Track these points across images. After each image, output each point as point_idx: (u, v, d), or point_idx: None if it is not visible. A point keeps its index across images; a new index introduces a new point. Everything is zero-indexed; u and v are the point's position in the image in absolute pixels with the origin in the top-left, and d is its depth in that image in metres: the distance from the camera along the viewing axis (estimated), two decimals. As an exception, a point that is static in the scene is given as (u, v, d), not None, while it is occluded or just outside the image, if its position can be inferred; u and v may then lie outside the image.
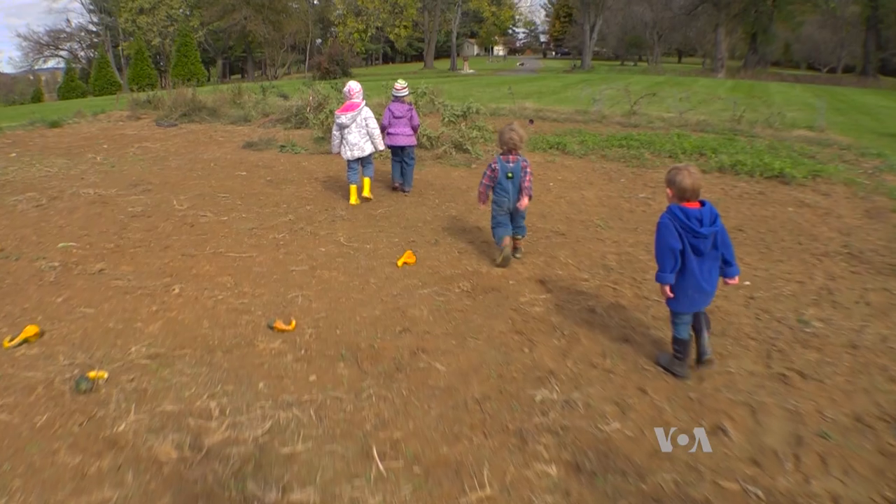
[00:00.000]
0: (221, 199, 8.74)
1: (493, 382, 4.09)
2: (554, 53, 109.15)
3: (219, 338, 4.64)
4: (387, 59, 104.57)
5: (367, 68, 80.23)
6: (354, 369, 4.19)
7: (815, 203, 8.92)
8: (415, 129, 8.87)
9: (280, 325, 4.74)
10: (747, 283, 5.93)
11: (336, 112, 8.18)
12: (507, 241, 6.06)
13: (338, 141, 8.23)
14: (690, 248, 3.85)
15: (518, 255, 6.35)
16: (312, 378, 4.07)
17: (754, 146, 12.76)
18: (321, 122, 12.62)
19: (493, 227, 6.14)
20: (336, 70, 52.83)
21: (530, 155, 12.13)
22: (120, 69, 69.32)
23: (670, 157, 11.89)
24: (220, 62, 79.93)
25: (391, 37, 69.28)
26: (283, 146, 12.76)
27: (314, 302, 5.30)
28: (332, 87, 21.24)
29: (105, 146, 13.98)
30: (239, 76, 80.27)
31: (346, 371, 4.17)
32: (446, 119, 12.00)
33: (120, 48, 74.45)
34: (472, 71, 58.11)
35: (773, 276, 6.14)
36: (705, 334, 4.21)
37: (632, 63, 76.90)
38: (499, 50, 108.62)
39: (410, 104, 8.92)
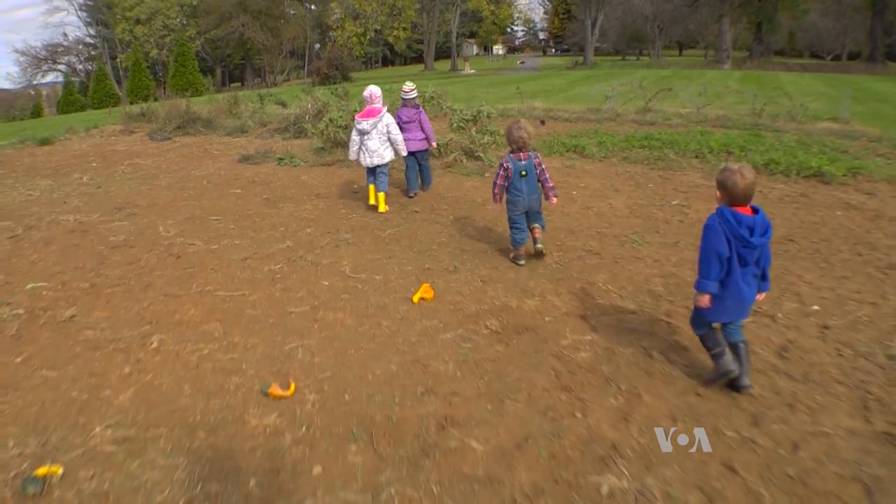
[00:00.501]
0: (213, 223, 7.92)
1: (544, 465, 3.24)
2: (553, 50, 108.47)
3: (202, 410, 3.80)
4: (386, 62, 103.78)
5: (367, 72, 79.47)
6: (370, 454, 3.35)
7: (862, 204, 8.10)
8: (428, 133, 8.66)
9: (276, 389, 3.90)
10: (816, 307, 5.12)
11: (356, 117, 7.92)
12: (524, 251, 6.04)
13: (356, 147, 7.98)
14: (738, 257, 3.60)
15: (539, 246, 6.11)
16: (317, 470, 3.23)
17: (783, 142, 11.89)
18: (320, 132, 11.79)
19: (511, 229, 6.06)
20: (336, 75, 52.30)
21: (547, 159, 11.25)
22: (119, 81, 68.86)
23: (697, 157, 11.05)
24: (218, 71, 79.43)
25: (390, 39, 68.57)
26: (280, 159, 11.94)
27: (317, 355, 4.46)
28: (331, 94, 20.50)
29: (94, 164, 13.20)
30: (238, 84, 79.82)
31: (360, 457, 3.32)
32: (455, 124, 11.15)
33: (118, 60, 73.98)
34: (473, 71, 57.27)
35: (841, 297, 5.32)
36: (745, 368, 3.85)
37: (633, 57, 75.91)
38: (498, 49, 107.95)
39: (418, 106, 8.70)
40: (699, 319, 3.91)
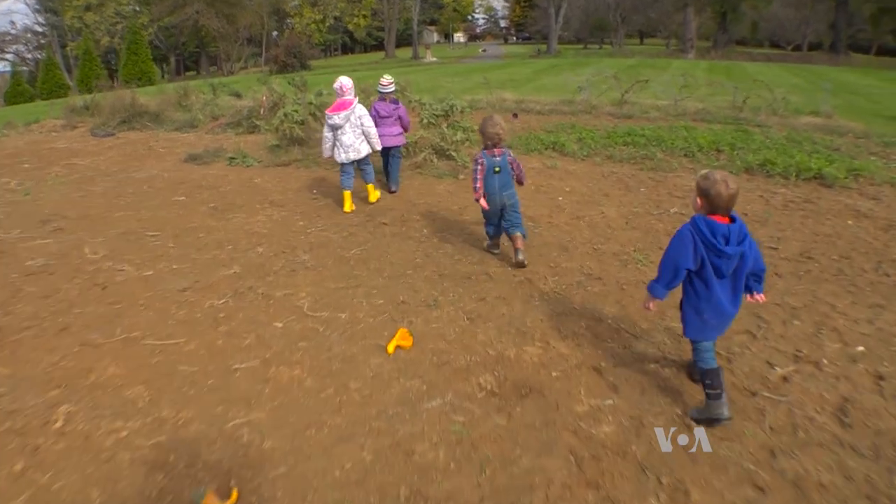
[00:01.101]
0: (149, 241, 6.85)
1: None
2: (515, 39, 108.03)
3: (109, 536, 2.79)
4: (346, 50, 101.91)
5: (327, 59, 77.73)
6: None
7: (871, 212, 7.43)
8: (405, 127, 8.45)
9: (213, 499, 2.90)
10: (861, 348, 4.31)
11: (327, 112, 7.49)
12: (498, 241, 6.15)
13: (329, 143, 7.61)
14: (712, 268, 3.41)
15: (521, 258, 5.75)
16: None
17: (772, 139, 11.20)
18: (275, 128, 10.69)
19: (485, 224, 6.14)
20: (294, 63, 50.81)
21: (523, 158, 10.36)
22: (70, 70, 66.28)
23: (686, 155, 10.27)
24: (172, 59, 77.12)
25: (350, 27, 67.17)
26: (232, 158, 10.83)
27: (268, 437, 3.47)
28: (288, 83, 19.37)
29: (27, 165, 11.90)
30: (194, 72, 77.60)
31: None
32: (425, 120, 10.15)
33: (69, 49, 71.25)
34: (434, 59, 56.11)
35: (884, 332, 4.59)
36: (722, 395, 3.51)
37: (596, 46, 75.44)
38: (459, 37, 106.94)
39: (397, 101, 8.39)
40: (699, 346, 3.62)
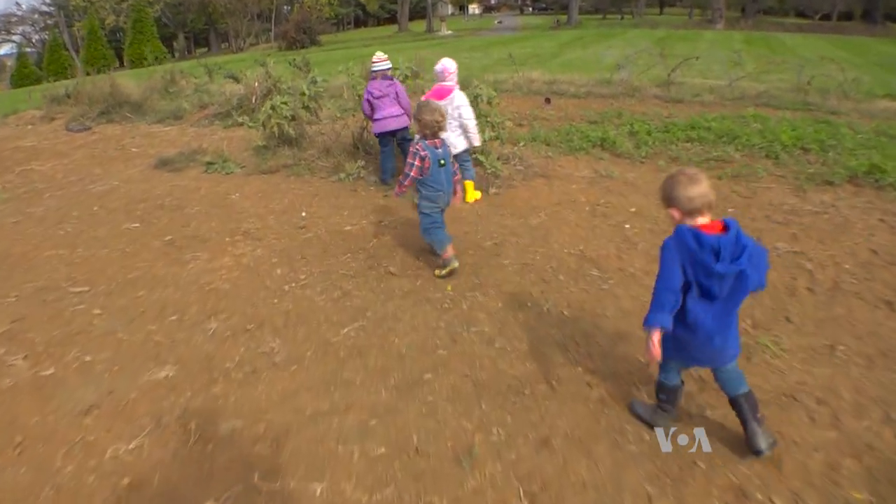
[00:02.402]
0: (70, 305, 4.96)
1: None
2: (531, 9, 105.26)
3: None
4: (358, 23, 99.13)
5: (338, 34, 75.13)
6: None
7: None
8: (405, 109, 7.38)
9: None
10: None
11: (423, 99, 5.98)
12: (452, 251, 5.11)
13: None
14: (697, 288, 2.71)
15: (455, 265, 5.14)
16: None
17: (862, 133, 9.12)
18: (261, 124, 8.68)
19: (427, 232, 5.13)
20: (304, 39, 48.86)
21: (567, 159, 8.39)
22: (77, 51, 64.62)
23: (768, 156, 8.25)
24: (181, 37, 75.27)
25: (361, -1, 64.98)
26: (210, 163, 8.90)
27: None
28: (289, 64, 17.37)
29: (-25, 170, 10.05)
30: (205, 49, 75.83)
31: None
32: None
33: (76, 28, 69.52)
34: (450, 32, 53.68)
35: None
36: (753, 424, 2.92)
37: (617, 17, 72.46)
38: (474, 8, 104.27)
39: (391, 77, 7.47)
40: (666, 363, 3.01)
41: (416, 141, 4.95)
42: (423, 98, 6.23)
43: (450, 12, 79.15)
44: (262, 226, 6.45)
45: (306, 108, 8.67)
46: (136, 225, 6.75)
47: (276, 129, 8.58)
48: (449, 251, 5.07)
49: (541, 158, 8.34)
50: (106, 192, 8.16)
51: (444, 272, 5.07)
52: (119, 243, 6.25)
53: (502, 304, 4.58)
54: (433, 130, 4.82)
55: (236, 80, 16.71)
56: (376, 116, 7.24)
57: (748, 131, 9.10)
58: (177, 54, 68.87)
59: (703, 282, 2.69)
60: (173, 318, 4.65)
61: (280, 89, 10.20)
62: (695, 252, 2.66)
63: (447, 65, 6.49)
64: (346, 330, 4.28)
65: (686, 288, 2.75)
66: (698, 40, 31.36)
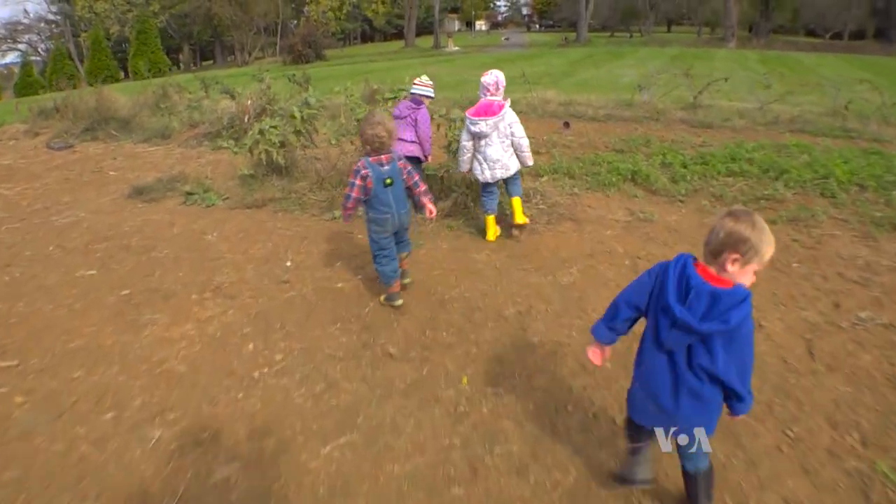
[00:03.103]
0: (-24, 393, 3.88)
1: None
2: (538, 26, 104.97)
3: None
4: (365, 38, 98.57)
5: (345, 49, 74.47)
6: None
7: None
8: (422, 140, 6.50)
9: None
10: None
11: (468, 114, 5.77)
12: (399, 285, 4.70)
13: (468, 155, 5.94)
14: (654, 323, 2.39)
15: (407, 281, 4.99)
16: None
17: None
18: (248, 148, 7.62)
19: (374, 260, 4.65)
20: (309, 53, 48.17)
21: (596, 197, 7.33)
22: (82, 61, 64.15)
23: (822, 194, 7.22)
24: (186, 48, 74.73)
25: (368, 14, 64.48)
26: (190, 193, 7.86)
27: None
28: (289, 80, 16.38)
29: (-63, 195, 9.04)
30: (211, 62, 75.33)
31: None
32: (454, 140, 7.03)
33: (81, 38, 69.05)
34: (457, 48, 52.93)
35: None
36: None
37: (626, 35, 71.72)
38: (481, 25, 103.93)
39: (421, 102, 6.51)
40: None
41: (361, 159, 4.43)
42: (467, 113, 5.73)
43: (456, 28, 78.63)
44: (238, 278, 5.38)
45: (298, 132, 7.63)
46: (93, 272, 5.70)
47: (263, 156, 7.55)
48: (395, 286, 4.69)
49: (566, 195, 7.28)
50: (69, 225, 7.12)
51: (384, 302, 4.77)
52: (68, 297, 5.20)
53: (534, 407, 3.50)
54: (374, 146, 4.31)
55: (231, 95, 15.78)
56: None
57: (796, 164, 8.04)
58: (182, 66, 68.43)
59: (659, 317, 2.34)
60: (110, 415, 3.59)
61: (272, 110, 9.15)
62: (667, 279, 2.30)
63: (499, 77, 5.73)
64: (327, 448, 3.19)
65: (648, 320, 2.45)
66: (712, 59, 30.39)
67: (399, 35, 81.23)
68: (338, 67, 34.78)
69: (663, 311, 2.30)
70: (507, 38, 71.85)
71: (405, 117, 6.34)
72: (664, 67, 24.66)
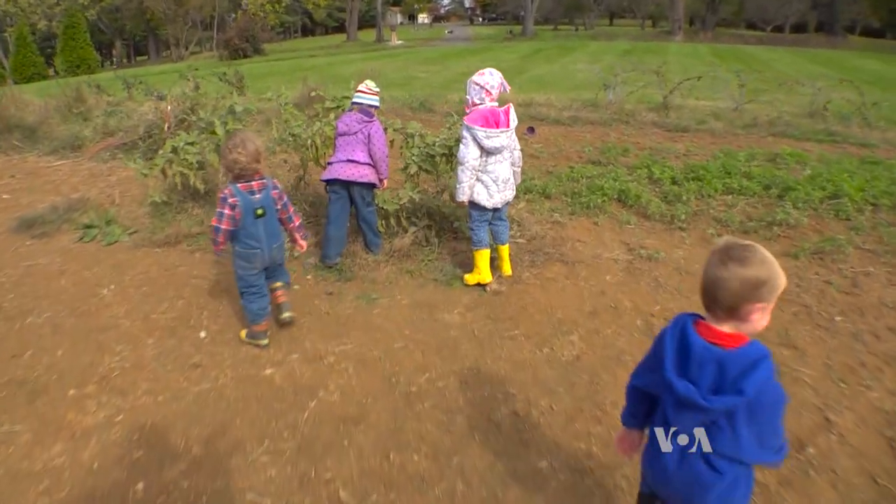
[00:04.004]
0: None
1: None
2: (481, 20, 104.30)
3: None
4: (306, 32, 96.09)
5: (284, 43, 72.16)
6: None
7: None
8: (376, 160, 5.16)
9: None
10: None
11: (477, 125, 4.39)
12: (267, 324, 4.12)
13: (471, 180, 4.57)
14: (662, 405, 2.01)
15: (287, 315, 4.29)
16: None
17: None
18: (160, 169, 6.20)
19: (241, 296, 4.09)
20: (247, 47, 46.15)
21: (581, 223, 6.17)
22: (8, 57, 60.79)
23: (838, 216, 6.26)
24: (118, 44, 71.62)
25: (308, 7, 62.47)
26: (89, 227, 6.42)
27: None
28: (219, 80, 14.87)
29: None
30: (145, 58, 72.38)
31: None
32: (413, 163, 5.74)
33: (7, 34, 65.38)
34: (400, 42, 51.56)
35: None
36: None
37: (572, 28, 71.27)
38: (423, 18, 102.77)
39: (371, 114, 5.14)
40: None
41: (228, 185, 3.89)
42: (469, 122, 4.44)
43: (399, 21, 77.09)
44: (135, 361, 4.03)
45: (218, 148, 6.25)
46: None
47: (178, 179, 6.16)
48: (262, 325, 4.12)
49: (547, 224, 6.09)
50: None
51: (246, 339, 4.20)
52: None
53: None
54: (235, 173, 3.80)
55: (160, 97, 14.19)
56: (331, 159, 5.19)
57: (799, 180, 7.05)
58: (114, 62, 65.55)
59: (664, 397, 1.94)
60: None
61: (190, 121, 7.72)
62: (663, 350, 1.87)
63: (502, 77, 4.53)
64: None
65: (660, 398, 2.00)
66: (665, 53, 29.69)
67: (341, 29, 79.29)
68: (276, 63, 33.01)
69: (667, 388, 1.88)
70: (450, 32, 70.77)
71: (355, 133, 5.04)
72: (617, 62, 23.81)
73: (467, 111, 4.58)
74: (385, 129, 5.72)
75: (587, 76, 19.64)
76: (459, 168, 4.56)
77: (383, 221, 5.57)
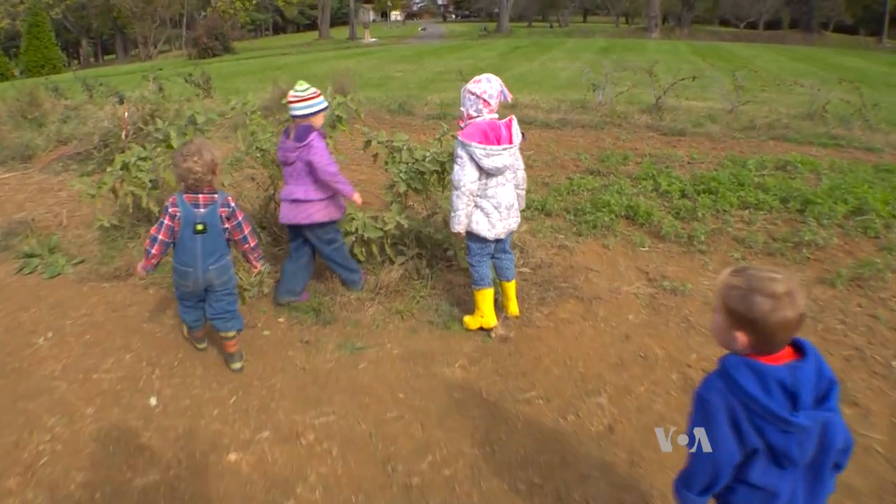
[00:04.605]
0: None
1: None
2: (454, 17, 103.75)
3: None
4: (277, 30, 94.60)
5: (255, 41, 70.84)
6: None
7: None
8: (328, 181, 4.14)
9: None
10: None
11: (475, 142, 3.68)
12: (202, 333, 3.96)
13: (468, 208, 3.86)
14: (769, 450, 1.74)
15: (237, 367, 3.82)
16: None
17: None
18: (110, 188, 5.40)
19: (179, 305, 3.85)
20: (216, 46, 45.05)
21: (590, 246, 5.50)
22: (-25, 59, 59.08)
23: (866, 233, 5.72)
24: (84, 43, 69.96)
25: (279, 4, 61.34)
26: (29, 256, 5.63)
27: None
28: (185, 81, 14.03)
29: None
30: (113, 56, 70.76)
31: None
32: (399, 183, 4.99)
33: (-28, 34, 63.61)
34: (374, 39, 50.67)
35: None
36: None
37: (547, 25, 70.79)
38: (396, 15, 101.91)
39: (308, 129, 4.12)
40: None
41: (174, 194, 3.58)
42: (463, 138, 3.71)
43: (371, 18, 76.15)
44: (69, 441, 3.27)
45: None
46: None
47: (129, 199, 5.38)
48: (198, 334, 3.97)
49: (552, 248, 5.40)
50: None
51: (186, 336, 4.09)
52: None
53: None
54: (189, 183, 3.47)
55: (121, 100, 13.32)
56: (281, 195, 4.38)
57: (818, 192, 6.43)
58: (80, 62, 64.08)
59: (776, 442, 1.69)
60: None
61: (146, 131, 6.91)
62: (758, 398, 1.68)
63: (503, 85, 3.83)
64: None
65: (751, 460, 1.75)
66: (644, 50, 29.21)
67: (313, 26, 78.02)
68: (247, 62, 32.01)
69: (784, 429, 1.66)
70: (423, 29, 70.04)
71: (292, 163, 4.17)
72: (597, 59, 23.24)
73: (461, 125, 3.85)
74: (368, 143, 5.00)
75: (570, 75, 19.06)
76: (454, 193, 3.84)
77: (363, 250, 4.83)
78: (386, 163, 5.15)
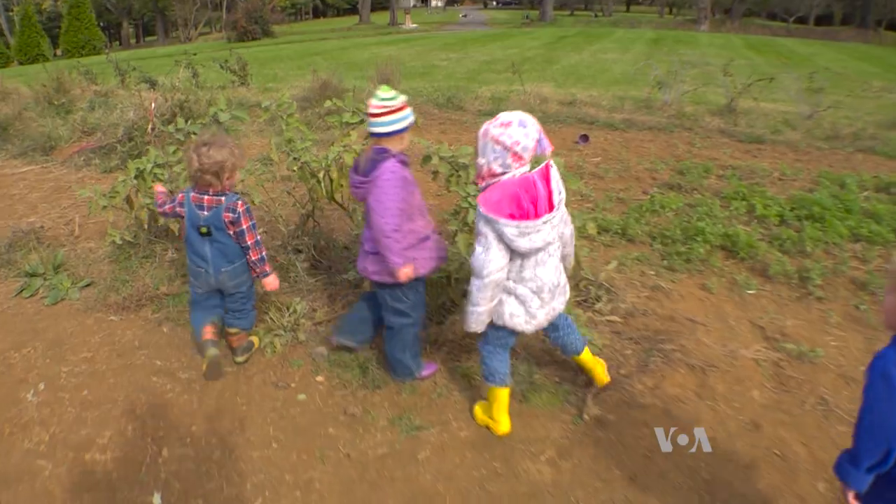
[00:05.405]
0: None
1: None
2: (495, 3, 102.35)
3: None
4: (317, 14, 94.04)
5: (294, 25, 70.33)
6: None
7: None
8: (376, 238, 3.05)
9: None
10: None
11: (489, 211, 2.61)
12: (209, 331, 3.51)
13: (493, 301, 2.81)
14: None
15: (241, 359, 3.65)
16: None
17: None
18: (126, 197, 4.65)
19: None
20: (255, 29, 44.58)
21: (686, 286, 4.60)
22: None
23: None
24: (125, 24, 70.14)
25: (320, -12, 60.83)
26: (31, 275, 4.89)
27: None
28: (220, 67, 13.31)
29: None
30: (155, 38, 70.98)
31: None
32: (469, 205, 4.07)
33: (13, 13, 64.00)
34: (414, 25, 49.75)
35: None
36: None
37: (591, 14, 69.14)
38: (436, 1, 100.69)
39: (384, 151, 3.02)
40: None
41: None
42: (493, 212, 2.60)
43: (412, 4, 75.09)
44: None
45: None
46: None
47: (144, 214, 4.62)
48: (206, 334, 3.48)
49: (645, 291, 4.50)
50: None
51: (203, 368, 3.50)
52: None
53: None
54: (199, 182, 3.23)
55: (153, 85, 12.68)
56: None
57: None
58: (121, 43, 64.40)
59: None
60: None
61: (163, 132, 6.10)
62: None
63: (539, 129, 2.66)
64: None
65: None
66: (697, 44, 27.93)
67: (353, 10, 77.22)
68: (286, 46, 31.32)
69: None
70: (464, 16, 68.89)
71: (363, 200, 3.17)
72: (649, 51, 22.12)
73: (480, 184, 2.79)
74: (428, 158, 4.14)
75: (623, 68, 18.01)
76: (474, 283, 2.78)
77: (423, 289, 3.97)
78: (448, 181, 4.27)
